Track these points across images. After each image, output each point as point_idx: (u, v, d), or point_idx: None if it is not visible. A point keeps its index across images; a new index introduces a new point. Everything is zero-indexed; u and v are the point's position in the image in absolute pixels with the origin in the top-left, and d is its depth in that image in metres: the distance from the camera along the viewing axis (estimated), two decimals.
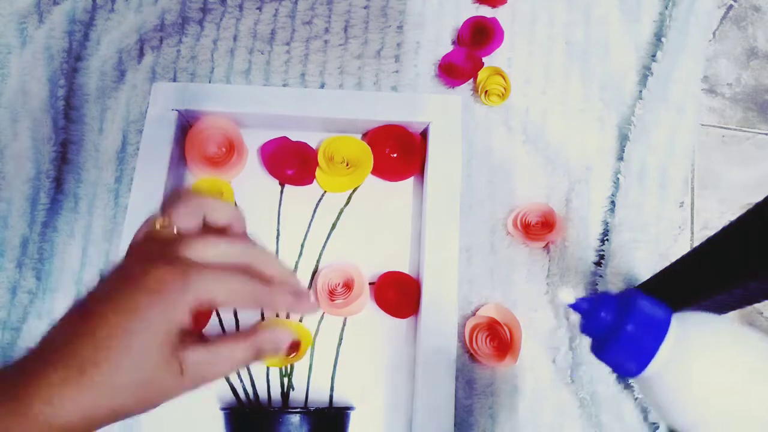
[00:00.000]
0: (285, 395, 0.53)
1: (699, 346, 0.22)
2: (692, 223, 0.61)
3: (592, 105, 0.61)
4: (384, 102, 0.57)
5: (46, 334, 0.28)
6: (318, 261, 0.56)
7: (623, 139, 0.59)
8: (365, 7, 0.63)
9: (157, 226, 0.34)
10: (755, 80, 0.65)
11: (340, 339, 0.54)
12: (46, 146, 0.57)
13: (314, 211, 0.57)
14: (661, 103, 0.58)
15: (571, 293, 0.25)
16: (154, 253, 0.32)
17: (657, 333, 0.23)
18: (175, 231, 0.34)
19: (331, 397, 0.53)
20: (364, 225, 0.57)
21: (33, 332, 0.54)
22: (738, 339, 0.23)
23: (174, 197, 0.35)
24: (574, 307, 0.25)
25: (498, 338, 0.52)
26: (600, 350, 0.24)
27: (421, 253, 0.54)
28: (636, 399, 0.52)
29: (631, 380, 0.23)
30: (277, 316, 0.55)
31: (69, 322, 0.28)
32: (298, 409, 0.49)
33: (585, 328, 0.25)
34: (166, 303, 0.29)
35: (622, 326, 0.23)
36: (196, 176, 0.57)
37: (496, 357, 0.52)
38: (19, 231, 0.55)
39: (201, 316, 0.53)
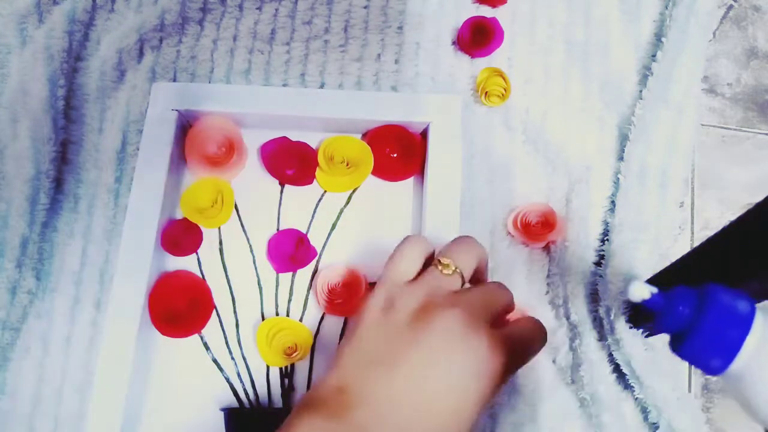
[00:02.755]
0: (285, 395, 0.53)
1: None
2: (692, 223, 0.61)
3: (592, 105, 0.61)
4: (384, 102, 0.57)
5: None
6: (318, 261, 0.56)
7: (623, 139, 0.59)
8: (365, 7, 0.63)
9: (446, 272, 0.37)
10: (755, 80, 0.65)
11: (340, 339, 0.54)
12: (46, 146, 0.57)
13: (314, 211, 0.57)
14: (661, 103, 0.58)
15: (645, 288, 0.23)
16: (450, 304, 0.34)
17: (741, 325, 0.21)
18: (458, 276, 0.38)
19: None
20: (364, 225, 0.57)
21: (33, 332, 0.54)
22: None
23: (452, 241, 0.41)
24: (649, 303, 0.23)
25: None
26: (680, 347, 0.23)
27: None
28: (636, 399, 0.52)
29: (717, 377, 0.21)
30: (277, 314, 0.55)
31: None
32: None
33: (662, 325, 0.23)
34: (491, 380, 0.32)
35: (703, 320, 0.21)
36: (196, 176, 0.57)
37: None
38: (18, 231, 0.55)
39: (201, 315, 0.54)
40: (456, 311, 0.34)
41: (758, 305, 0.22)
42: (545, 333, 0.40)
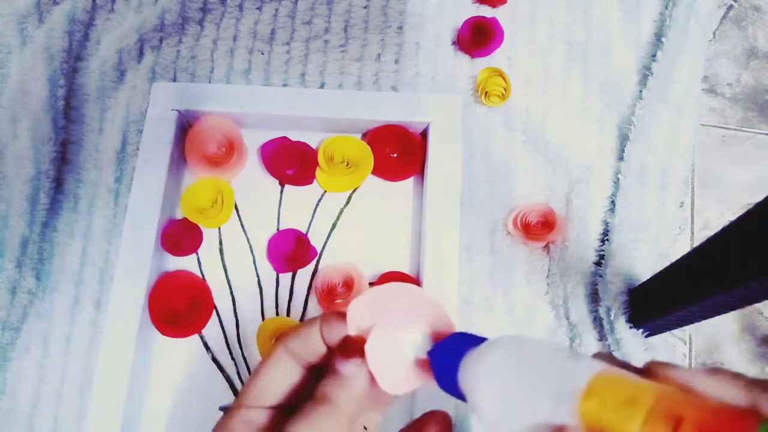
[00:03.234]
0: None
1: (471, 368, 0.25)
2: (692, 223, 0.61)
3: (592, 105, 0.61)
4: (384, 102, 0.57)
5: None
6: (318, 261, 0.56)
7: (623, 139, 0.59)
8: (365, 7, 0.63)
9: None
10: (755, 80, 0.65)
11: None
12: (46, 146, 0.57)
13: (314, 211, 0.57)
14: (661, 103, 0.58)
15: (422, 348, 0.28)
16: None
17: (453, 364, 0.26)
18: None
19: None
20: (364, 225, 0.57)
21: (33, 332, 0.54)
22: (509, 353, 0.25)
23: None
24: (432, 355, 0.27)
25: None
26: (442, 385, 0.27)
27: (421, 253, 0.54)
28: None
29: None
30: (277, 314, 0.55)
31: None
32: None
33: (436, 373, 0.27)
34: None
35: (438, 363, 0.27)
36: (196, 176, 0.57)
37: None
38: (19, 231, 0.55)
39: (201, 315, 0.54)
40: None
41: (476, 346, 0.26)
42: None
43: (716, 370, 0.22)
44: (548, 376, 0.23)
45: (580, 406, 0.21)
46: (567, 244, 0.56)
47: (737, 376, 0.22)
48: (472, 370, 0.25)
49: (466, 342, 0.27)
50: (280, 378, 0.27)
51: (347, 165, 0.57)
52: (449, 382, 0.26)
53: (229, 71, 0.61)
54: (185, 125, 0.58)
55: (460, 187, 0.55)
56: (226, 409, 0.53)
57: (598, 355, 0.25)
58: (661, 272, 0.50)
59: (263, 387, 0.27)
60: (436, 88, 0.61)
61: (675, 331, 0.56)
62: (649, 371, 0.23)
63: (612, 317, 0.52)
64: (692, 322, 0.48)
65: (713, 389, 0.22)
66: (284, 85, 0.61)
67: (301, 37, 0.62)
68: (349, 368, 0.26)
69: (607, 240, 0.56)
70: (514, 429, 0.23)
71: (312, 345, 0.27)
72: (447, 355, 0.27)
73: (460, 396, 0.26)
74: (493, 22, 0.61)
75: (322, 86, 0.61)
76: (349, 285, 0.54)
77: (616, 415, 0.20)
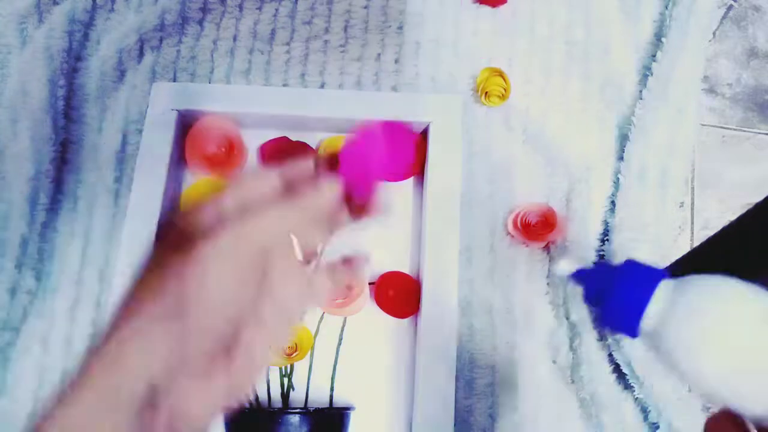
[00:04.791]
0: (285, 395, 0.53)
1: (692, 304, 0.23)
2: (692, 223, 0.61)
3: (592, 105, 0.61)
4: (384, 102, 0.57)
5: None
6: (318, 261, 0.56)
7: (623, 139, 0.59)
8: (365, 7, 0.63)
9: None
10: (755, 80, 0.65)
11: (340, 339, 0.54)
12: (46, 146, 0.57)
13: None
14: (661, 103, 0.58)
15: (570, 263, 0.26)
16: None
17: (644, 291, 0.23)
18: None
19: (331, 397, 0.53)
20: (364, 225, 0.57)
21: (33, 332, 0.54)
22: (733, 296, 0.24)
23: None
24: (575, 276, 0.26)
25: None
26: (600, 317, 0.25)
27: (421, 253, 0.54)
28: (636, 399, 0.52)
29: (636, 340, 0.24)
30: None
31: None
32: (298, 409, 0.49)
33: (586, 297, 0.26)
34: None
35: (613, 288, 0.24)
36: (196, 176, 0.57)
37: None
38: (18, 231, 0.55)
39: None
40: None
41: (672, 278, 0.24)
42: None
43: None
44: None
45: None
46: (567, 244, 0.56)
47: None
48: (688, 317, 0.22)
49: (648, 274, 0.23)
50: (262, 184, 0.30)
51: None
52: (626, 319, 0.23)
53: (229, 71, 0.61)
54: (185, 125, 0.58)
55: (460, 187, 0.55)
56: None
57: None
58: None
59: (245, 187, 0.30)
60: (436, 88, 0.61)
61: None
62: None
63: None
64: None
65: None
66: (284, 85, 0.61)
67: (301, 37, 0.62)
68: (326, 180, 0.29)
69: (607, 240, 0.56)
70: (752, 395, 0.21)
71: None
72: (625, 287, 0.24)
73: (634, 331, 0.23)
74: None
75: (322, 86, 0.61)
76: (349, 285, 0.54)
77: None
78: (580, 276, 0.26)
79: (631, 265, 0.24)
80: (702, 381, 0.23)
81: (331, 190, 0.30)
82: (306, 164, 0.31)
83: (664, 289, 0.23)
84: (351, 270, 0.32)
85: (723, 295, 0.23)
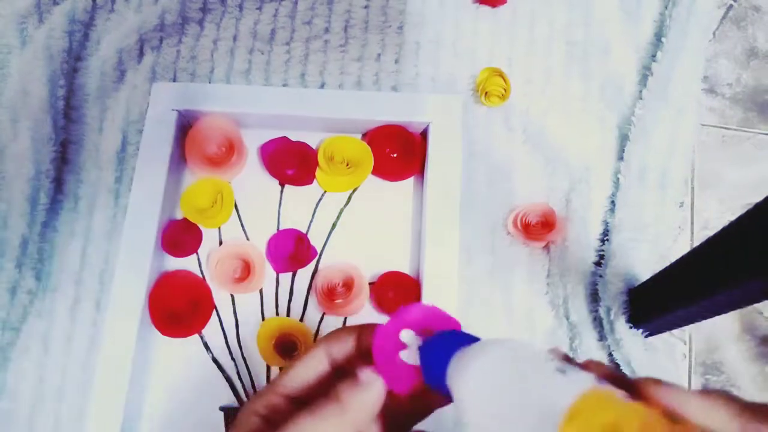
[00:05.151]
0: None
1: (459, 370, 0.25)
2: (692, 223, 0.61)
3: (592, 105, 0.61)
4: (384, 102, 0.57)
5: None
6: (318, 261, 0.56)
7: (623, 139, 0.59)
8: (365, 7, 0.63)
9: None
10: (755, 80, 0.65)
11: None
12: (46, 146, 0.57)
13: (314, 211, 0.57)
14: (661, 103, 0.58)
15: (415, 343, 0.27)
16: None
17: (443, 362, 0.26)
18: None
19: None
20: (364, 225, 0.57)
21: (33, 332, 0.54)
22: (492, 356, 0.25)
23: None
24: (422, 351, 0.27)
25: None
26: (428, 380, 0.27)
27: (421, 253, 0.54)
28: None
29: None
30: (277, 314, 0.55)
31: None
32: None
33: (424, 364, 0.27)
34: None
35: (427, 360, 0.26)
36: (196, 176, 0.57)
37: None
38: (19, 231, 0.55)
39: (201, 315, 0.54)
40: None
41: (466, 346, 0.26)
42: None
43: (710, 393, 0.21)
44: (535, 391, 0.23)
45: (563, 430, 0.21)
46: (567, 244, 0.56)
47: (731, 401, 0.21)
48: (460, 372, 0.25)
49: (457, 340, 0.26)
50: (309, 370, 0.28)
51: (347, 165, 0.57)
52: (437, 380, 0.26)
53: (229, 71, 0.61)
54: (185, 125, 0.58)
55: (460, 187, 0.55)
56: (226, 409, 0.53)
57: (589, 365, 0.24)
58: (661, 272, 0.50)
59: (292, 375, 0.28)
60: (436, 88, 0.61)
61: (675, 331, 0.56)
62: (640, 388, 0.22)
63: (612, 317, 0.52)
64: (692, 322, 0.48)
65: (704, 413, 0.21)
66: (284, 85, 0.61)
67: (301, 37, 0.62)
68: (366, 374, 0.26)
69: (607, 240, 0.56)
70: None
71: (345, 346, 0.28)
72: (436, 352, 0.26)
73: (447, 394, 0.26)
74: None
75: (322, 86, 0.61)
76: (349, 285, 0.54)
77: None
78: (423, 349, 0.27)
79: (446, 336, 0.27)
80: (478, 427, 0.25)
81: (375, 389, 0.26)
82: (350, 343, 0.28)
83: (457, 355, 0.26)
84: None
85: (485, 356, 0.25)
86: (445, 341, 0.27)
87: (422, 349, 0.27)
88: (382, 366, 0.26)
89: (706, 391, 0.21)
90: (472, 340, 0.27)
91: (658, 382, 0.22)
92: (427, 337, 0.27)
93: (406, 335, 0.27)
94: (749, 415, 0.20)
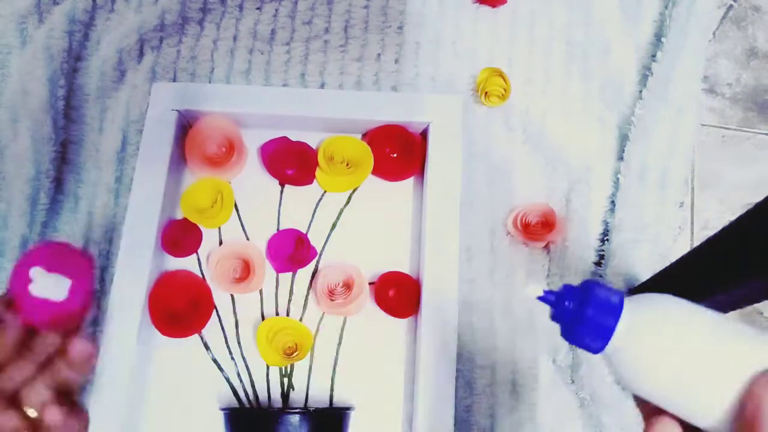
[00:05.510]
0: (285, 395, 0.53)
1: (648, 323, 0.26)
2: (692, 223, 0.61)
3: (592, 105, 0.61)
4: (384, 102, 0.57)
5: None
6: (318, 261, 0.56)
7: (623, 139, 0.59)
8: (365, 7, 0.63)
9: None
10: (755, 80, 0.65)
11: (340, 339, 0.54)
12: (46, 146, 0.57)
13: (314, 211, 0.57)
14: (661, 103, 0.58)
15: (538, 287, 0.28)
16: None
17: (612, 314, 0.26)
18: None
19: (331, 397, 0.53)
20: (364, 225, 0.57)
21: None
22: (683, 313, 0.26)
23: None
24: (542, 299, 0.28)
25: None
26: (568, 335, 0.27)
27: (421, 253, 0.54)
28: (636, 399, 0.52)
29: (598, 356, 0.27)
30: (277, 314, 0.55)
31: None
32: (298, 409, 0.49)
33: (554, 317, 0.28)
34: None
35: (583, 312, 0.26)
36: (196, 176, 0.57)
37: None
38: (19, 231, 0.55)
39: (201, 315, 0.54)
40: None
41: (627, 298, 0.27)
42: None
43: None
44: (729, 347, 0.24)
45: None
46: (567, 244, 0.56)
47: None
48: (645, 332, 0.25)
49: (614, 293, 0.26)
50: None
51: (347, 165, 0.57)
52: (598, 334, 0.26)
53: (229, 71, 0.61)
54: (185, 125, 0.58)
55: (460, 187, 0.55)
56: (226, 409, 0.53)
57: None
58: (661, 272, 0.50)
59: None
60: (436, 88, 0.61)
61: None
62: None
63: None
64: None
65: None
66: (284, 85, 0.61)
67: (301, 37, 0.62)
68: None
69: (607, 240, 0.56)
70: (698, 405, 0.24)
71: None
72: (600, 303, 0.26)
73: (600, 349, 0.26)
74: None
75: (322, 86, 0.61)
76: (349, 285, 0.54)
77: None
78: (548, 297, 0.28)
79: (597, 290, 0.27)
80: (657, 396, 0.26)
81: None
82: None
83: (625, 314, 0.26)
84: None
85: (673, 314, 0.26)
86: (600, 296, 0.26)
87: (562, 303, 0.27)
88: (18, 301, 0.29)
89: None
90: (621, 296, 0.26)
91: None
92: (563, 288, 0.28)
93: (35, 271, 0.30)
94: None
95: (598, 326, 0.26)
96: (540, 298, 0.28)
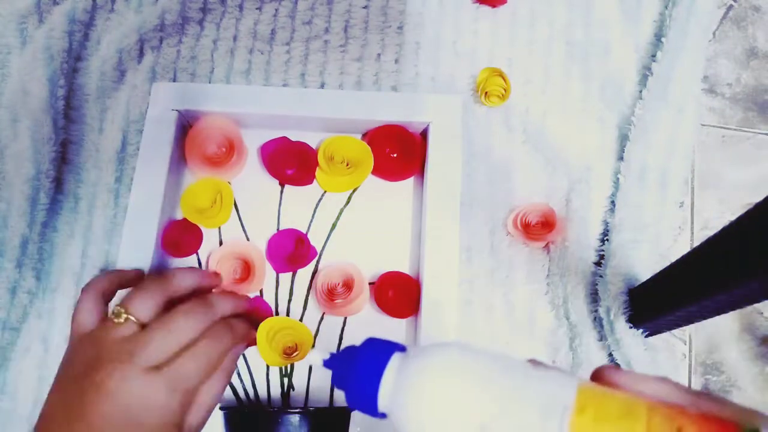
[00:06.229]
0: (285, 395, 0.53)
1: (411, 375, 0.23)
2: (692, 223, 0.61)
3: (592, 105, 0.61)
4: (384, 102, 0.57)
5: None
6: (318, 261, 0.56)
7: (623, 139, 0.59)
8: (365, 7, 0.63)
9: (116, 320, 0.39)
10: (755, 80, 0.65)
11: (340, 339, 0.54)
12: (46, 146, 0.57)
13: (314, 211, 0.57)
14: (661, 103, 0.58)
15: (318, 356, 0.27)
16: (116, 358, 0.36)
17: (375, 371, 0.24)
18: (132, 323, 0.39)
19: (331, 397, 0.53)
20: (364, 225, 0.57)
21: (33, 332, 0.54)
22: (446, 362, 0.23)
23: (133, 284, 0.44)
24: (326, 365, 0.26)
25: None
26: (348, 401, 0.25)
27: (421, 253, 0.54)
28: None
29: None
30: (277, 314, 0.55)
31: None
32: (298, 409, 0.50)
33: (334, 382, 0.26)
34: (163, 420, 0.35)
35: (351, 372, 0.24)
36: (196, 176, 0.57)
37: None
38: (18, 231, 0.55)
39: None
40: (113, 368, 0.36)
41: (397, 353, 0.24)
42: (237, 340, 0.44)
43: (662, 379, 0.24)
44: (524, 390, 0.22)
45: (575, 422, 0.20)
46: (567, 244, 0.56)
47: (678, 386, 0.24)
48: (413, 385, 0.23)
49: (383, 350, 0.24)
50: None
51: (347, 165, 0.57)
52: (364, 399, 0.24)
53: (229, 71, 0.61)
54: (185, 125, 0.58)
55: (460, 187, 0.55)
56: (226, 409, 0.53)
57: (531, 362, 0.24)
58: (661, 272, 0.50)
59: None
60: (436, 88, 0.61)
61: (675, 331, 0.56)
62: (598, 376, 0.24)
63: (612, 317, 0.52)
64: (692, 322, 0.48)
65: (661, 394, 0.23)
66: (284, 85, 0.61)
67: (301, 37, 0.62)
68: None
69: (607, 240, 0.56)
70: None
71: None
72: (360, 368, 0.24)
73: (375, 413, 0.24)
74: None
75: (322, 86, 0.61)
76: (349, 285, 0.54)
77: (616, 430, 0.20)
78: (330, 362, 0.26)
79: (368, 345, 0.25)
80: None
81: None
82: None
83: (394, 365, 0.24)
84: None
85: (438, 362, 0.23)
86: (366, 355, 0.24)
87: (336, 368, 0.25)
88: None
89: (658, 377, 0.24)
90: (391, 347, 0.24)
91: (612, 367, 0.24)
92: (331, 356, 0.26)
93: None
94: (694, 395, 0.23)
95: (362, 390, 0.24)
96: (324, 364, 0.26)
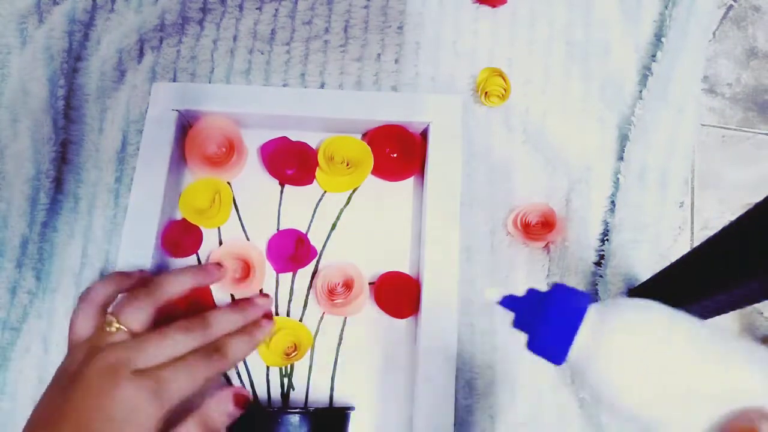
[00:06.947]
0: (285, 395, 0.53)
1: (615, 330, 0.23)
2: (692, 223, 0.61)
3: (592, 105, 0.61)
4: (384, 102, 0.57)
5: None
6: (318, 261, 0.56)
7: (623, 139, 0.59)
8: (365, 7, 0.63)
9: (109, 329, 0.40)
10: (755, 80, 0.65)
11: (340, 339, 0.54)
12: (46, 146, 0.57)
13: (314, 211, 0.57)
14: (661, 103, 0.58)
15: (497, 291, 0.26)
16: (109, 364, 0.37)
17: (572, 320, 0.23)
18: (123, 332, 0.40)
19: (331, 397, 0.53)
20: (364, 225, 0.57)
21: (33, 332, 0.54)
22: (656, 321, 0.23)
23: (125, 295, 0.43)
24: (503, 303, 0.26)
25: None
26: (531, 343, 0.25)
27: (421, 253, 0.54)
28: None
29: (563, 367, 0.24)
30: (277, 314, 0.55)
31: None
32: (298, 409, 0.50)
33: (516, 324, 0.25)
34: (142, 426, 0.35)
35: (542, 317, 0.24)
36: (196, 176, 0.57)
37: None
38: (18, 231, 0.55)
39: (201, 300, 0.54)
40: (101, 368, 0.37)
41: (596, 303, 0.24)
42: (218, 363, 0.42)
43: None
44: (723, 370, 0.21)
45: None
46: (567, 244, 0.56)
47: None
48: (623, 342, 0.22)
49: (577, 299, 0.23)
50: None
51: (347, 165, 0.57)
52: (554, 346, 0.23)
53: (229, 71, 0.61)
54: (185, 125, 0.58)
55: (460, 187, 0.55)
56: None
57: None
58: (661, 272, 0.50)
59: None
60: (436, 88, 0.61)
61: None
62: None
63: None
64: None
65: None
66: (284, 85, 0.61)
67: (301, 37, 0.62)
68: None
69: (607, 240, 0.56)
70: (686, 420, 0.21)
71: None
72: (556, 312, 0.23)
73: (560, 361, 0.23)
74: None
75: (322, 86, 0.61)
76: (349, 285, 0.54)
77: None
78: (509, 302, 0.26)
79: (560, 292, 0.24)
80: (628, 408, 0.22)
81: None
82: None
83: (591, 315, 0.23)
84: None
85: (646, 320, 0.23)
86: (560, 302, 0.23)
87: (520, 310, 0.25)
88: None
89: None
90: (584, 298, 0.24)
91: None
92: (510, 296, 0.25)
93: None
94: None
95: (557, 333, 0.23)
96: (500, 303, 0.25)
